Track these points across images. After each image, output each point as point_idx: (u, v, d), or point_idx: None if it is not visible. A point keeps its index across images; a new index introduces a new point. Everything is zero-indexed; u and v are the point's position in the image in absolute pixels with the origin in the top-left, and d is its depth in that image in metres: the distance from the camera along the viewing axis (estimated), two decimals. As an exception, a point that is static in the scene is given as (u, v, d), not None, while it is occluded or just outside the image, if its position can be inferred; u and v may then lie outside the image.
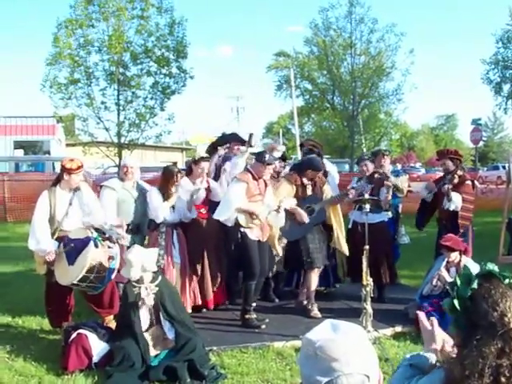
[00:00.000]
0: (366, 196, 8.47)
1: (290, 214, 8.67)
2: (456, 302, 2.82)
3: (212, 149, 9.98)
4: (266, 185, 8.52)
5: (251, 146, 9.13)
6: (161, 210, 8.51)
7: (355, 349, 2.02)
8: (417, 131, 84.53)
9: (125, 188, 8.74)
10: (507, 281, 2.80)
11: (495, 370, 2.49)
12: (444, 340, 3.02)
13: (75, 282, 7.27)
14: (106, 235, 7.80)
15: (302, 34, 42.64)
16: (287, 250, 9.18)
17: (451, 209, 9.34)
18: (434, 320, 3.08)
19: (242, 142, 9.66)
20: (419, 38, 73.43)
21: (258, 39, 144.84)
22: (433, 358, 2.98)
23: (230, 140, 9.74)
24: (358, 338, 2.07)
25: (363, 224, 8.43)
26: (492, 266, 2.94)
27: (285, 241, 9.16)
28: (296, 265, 9.30)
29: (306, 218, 8.79)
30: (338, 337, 2.03)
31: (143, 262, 6.86)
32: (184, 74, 27.06)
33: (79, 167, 7.79)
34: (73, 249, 7.35)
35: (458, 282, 2.87)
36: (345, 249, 9.17)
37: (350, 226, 9.65)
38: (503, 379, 2.48)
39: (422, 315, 3.16)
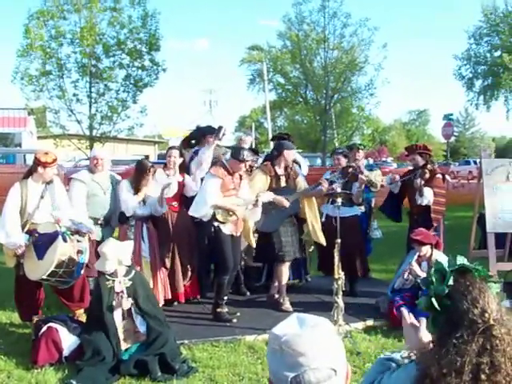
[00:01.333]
0: (338, 190, 8.49)
1: (264, 207, 8.65)
2: (434, 300, 2.80)
3: (187, 142, 9.97)
4: (240, 178, 8.49)
5: (219, 139, 9.13)
6: (130, 202, 8.49)
7: (322, 343, 1.99)
8: (389, 126, 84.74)
9: (94, 180, 8.67)
10: (480, 273, 2.80)
11: (475, 367, 2.49)
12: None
13: (44, 277, 7.21)
14: (75, 228, 7.70)
15: (276, 27, 42.74)
16: (259, 244, 9.17)
17: (424, 204, 9.39)
18: (423, 322, 3.06)
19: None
20: (392, 34, 73.79)
21: (233, 33, 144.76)
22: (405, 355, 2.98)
23: (205, 132, 9.69)
24: (324, 331, 2.04)
25: (336, 218, 8.45)
26: (462, 259, 2.94)
27: (256, 234, 9.15)
28: (267, 258, 9.28)
29: (286, 203, 8.78)
30: (304, 331, 2.01)
31: (118, 255, 6.83)
32: (157, 66, 27.04)
33: (54, 160, 7.71)
34: (42, 243, 7.28)
35: (433, 279, 2.86)
36: (322, 240, 9.17)
37: (323, 220, 9.66)
38: (483, 376, 2.47)
39: (405, 311, 3.13)
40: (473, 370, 2.48)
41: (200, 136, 9.76)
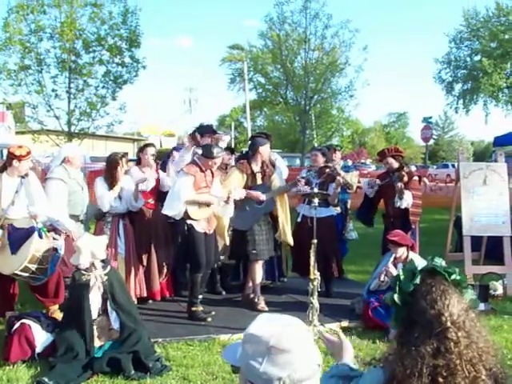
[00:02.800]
0: (316, 190, 8.49)
1: (239, 204, 8.65)
2: (396, 296, 2.81)
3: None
4: (212, 176, 8.46)
5: (197, 145, 9.16)
6: (106, 197, 8.43)
7: (305, 340, 2.03)
8: (368, 128, 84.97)
9: (71, 177, 8.55)
10: (453, 277, 2.79)
11: (432, 370, 2.49)
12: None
13: (17, 272, 7.15)
14: (51, 225, 7.66)
15: (258, 27, 42.91)
16: (233, 241, 9.16)
17: (403, 207, 9.36)
18: (340, 333, 3.15)
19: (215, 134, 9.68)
20: (373, 36, 74.01)
21: (215, 31, 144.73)
22: (349, 363, 3.00)
23: (202, 132, 9.63)
24: (302, 328, 2.08)
25: (312, 218, 8.44)
26: (439, 261, 2.93)
27: (230, 232, 9.15)
28: (241, 256, 9.28)
29: (262, 196, 8.79)
30: (285, 330, 2.03)
31: (92, 249, 6.78)
32: (137, 63, 27.00)
33: (28, 153, 7.67)
34: (17, 237, 7.22)
35: (402, 276, 2.87)
36: (290, 239, 9.20)
37: (299, 220, 9.63)
38: (440, 379, 2.47)
39: (327, 335, 3.41)
40: (431, 372, 2.48)
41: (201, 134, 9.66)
